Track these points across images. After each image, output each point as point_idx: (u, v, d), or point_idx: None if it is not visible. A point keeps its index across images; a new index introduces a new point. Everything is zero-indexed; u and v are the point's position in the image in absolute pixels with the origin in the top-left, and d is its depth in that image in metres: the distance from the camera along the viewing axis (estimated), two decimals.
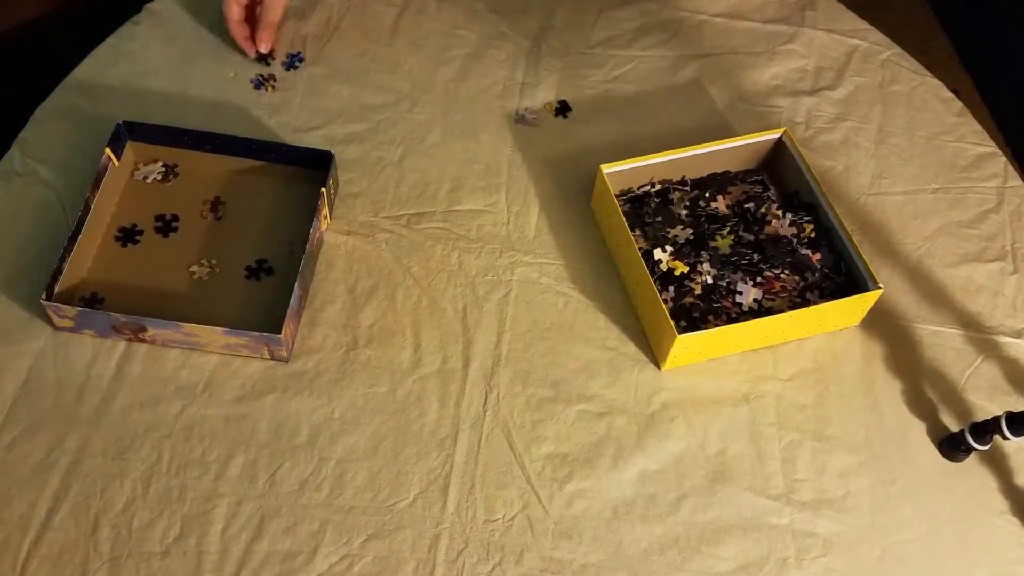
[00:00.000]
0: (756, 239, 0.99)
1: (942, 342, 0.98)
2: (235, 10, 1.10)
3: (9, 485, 0.84)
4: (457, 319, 0.96)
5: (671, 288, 0.95)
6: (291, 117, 1.09)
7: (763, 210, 1.01)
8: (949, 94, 1.18)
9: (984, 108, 1.98)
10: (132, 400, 0.89)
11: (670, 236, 0.99)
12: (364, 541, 0.84)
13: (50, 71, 1.14)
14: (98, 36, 1.13)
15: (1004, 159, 1.12)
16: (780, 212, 1.01)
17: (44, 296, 0.88)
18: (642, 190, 1.02)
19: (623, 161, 0.99)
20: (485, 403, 0.91)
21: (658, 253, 0.97)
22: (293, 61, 1.14)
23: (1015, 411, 0.84)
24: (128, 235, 0.98)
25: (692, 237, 0.99)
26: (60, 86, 1.09)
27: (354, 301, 0.96)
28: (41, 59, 1.48)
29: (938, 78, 1.19)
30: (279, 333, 0.87)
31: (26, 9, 1.42)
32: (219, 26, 1.15)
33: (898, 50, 1.22)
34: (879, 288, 0.92)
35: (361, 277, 0.98)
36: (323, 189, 0.95)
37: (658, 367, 0.94)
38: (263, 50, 1.12)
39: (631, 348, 0.95)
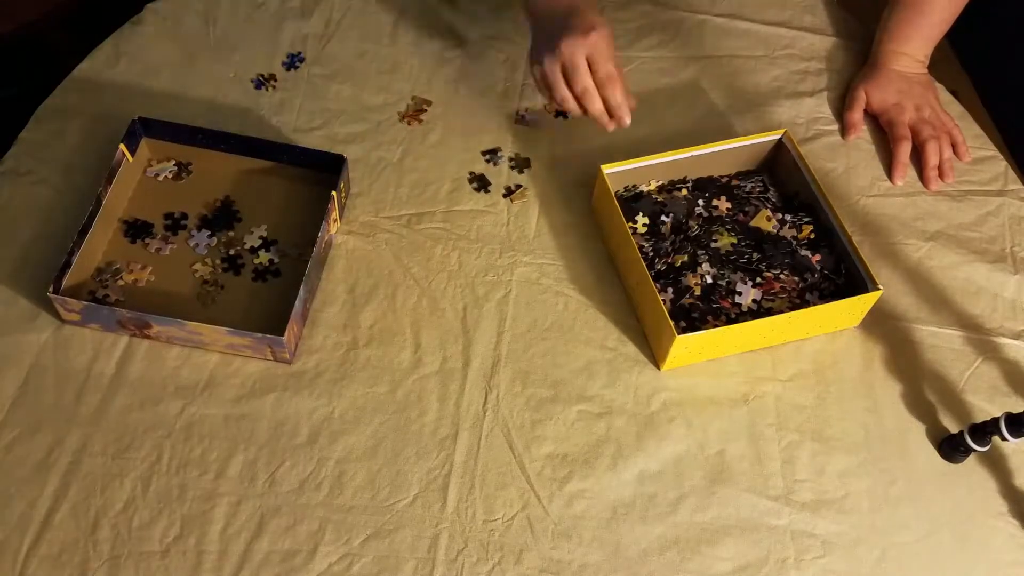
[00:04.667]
0: (755, 239, 0.99)
1: (942, 343, 0.98)
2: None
3: (9, 484, 0.84)
4: (457, 319, 0.96)
5: (670, 289, 0.95)
6: (292, 117, 1.09)
7: (748, 209, 1.01)
8: (949, 96, 1.18)
9: (983, 109, 1.97)
10: (132, 399, 0.89)
11: (669, 237, 0.99)
12: (364, 541, 0.84)
13: (50, 71, 1.14)
14: (98, 36, 1.13)
15: (1004, 162, 1.12)
16: (768, 209, 1.01)
17: (51, 289, 0.88)
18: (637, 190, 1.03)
19: (623, 161, 0.99)
20: (485, 403, 0.91)
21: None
22: (293, 61, 1.14)
23: (1014, 412, 0.84)
24: (138, 231, 0.98)
25: (692, 235, 0.99)
26: (60, 86, 1.09)
27: (354, 301, 0.96)
28: (41, 59, 1.48)
29: (938, 79, 1.19)
30: (282, 335, 0.87)
31: (26, 10, 1.42)
32: (219, 26, 1.15)
33: None
34: (879, 289, 0.92)
35: (361, 277, 0.98)
36: (333, 193, 0.95)
37: (657, 367, 0.94)
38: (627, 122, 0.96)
39: (631, 348, 0.95)
